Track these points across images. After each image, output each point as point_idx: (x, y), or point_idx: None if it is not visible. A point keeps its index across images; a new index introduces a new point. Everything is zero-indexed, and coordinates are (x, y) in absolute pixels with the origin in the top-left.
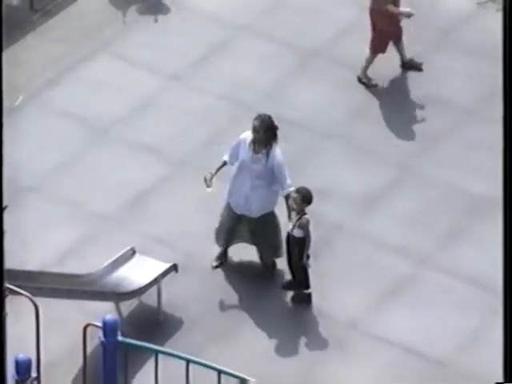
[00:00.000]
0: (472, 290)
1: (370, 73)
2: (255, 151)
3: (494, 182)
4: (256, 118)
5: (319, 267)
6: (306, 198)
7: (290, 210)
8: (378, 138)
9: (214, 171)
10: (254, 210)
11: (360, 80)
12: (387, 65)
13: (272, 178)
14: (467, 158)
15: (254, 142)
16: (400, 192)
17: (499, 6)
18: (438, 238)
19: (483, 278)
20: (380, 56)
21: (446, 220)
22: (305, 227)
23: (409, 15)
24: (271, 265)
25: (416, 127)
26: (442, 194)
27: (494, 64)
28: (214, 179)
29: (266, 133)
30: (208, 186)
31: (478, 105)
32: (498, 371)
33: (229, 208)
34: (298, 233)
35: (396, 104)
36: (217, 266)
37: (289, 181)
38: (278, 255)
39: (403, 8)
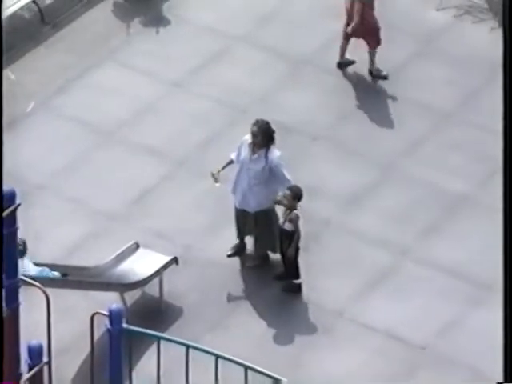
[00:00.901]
0: (449, 281)
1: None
2: (254, 153)
3: (470, 181)
4: (254, 124)
5: (308, 260)
6: (296, 195)
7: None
8: (362, 140)
9: (220, 167)
10: (252, 206)
11: (371, 73)
12: (367, 74)
13: (269, 177)
14: (445, 159)
15: (253, 144)
16: (383, 190)
17: (474, 18)
18: (417, 232)
19: (460, 269)
20: (363, 62)
21: (425, 216)
22: (294, 221)
23: None
24: (263, 257)
25: (398, 130)
26: (421, 191)
27: (471, 71)
28: (220, 175)
29: (264, 137)
30: (216, 181)
31: (456, 109)
32: (474, 355)
33: (234, 204)
34: (288, 226)
35: (380, 108)
36: (230, 255)
37: (288, 178)
38: (274, 250)
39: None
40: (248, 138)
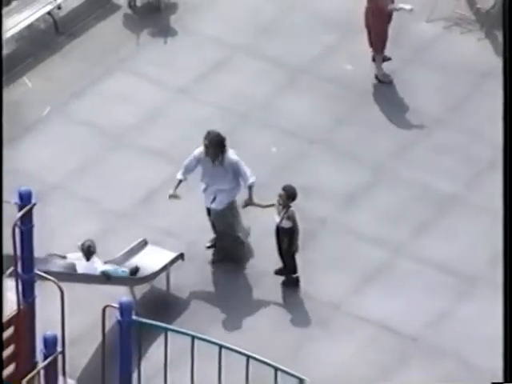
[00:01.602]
0: (439, 275)
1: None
2: (213, 162)
3: (459, 182)
4: (205, 137)
5: (306, 256)
6: (291, 195)
7: (251, 198)
8: (357, 143)
9: (172, 191)
10: (215, 204)
11: (377, 77)
12: (364, 77)
13: (231, 176)
14: (435, 161)
15: (208, 155)
16: (377, 190)
17: (462, 29)
18: (410, 229)
19: (449, 265)
20: (359, 70)
21: (416, 214)
22: (292, 218)
23: (411, 10)
24: (226, 248)
25: (391, 133)
26: (412, 192)
27: (459, 78)
28: (178, 191)
29: (215, 148)
30: (177, 198)
31: (446, 114)
32: (460, 345)
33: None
34: (286, 224)
35: (373, 113)
36: (208, 247)
37: (248, 172)
38: (236, 243)
39: (404, 4)
40: (201, 150)
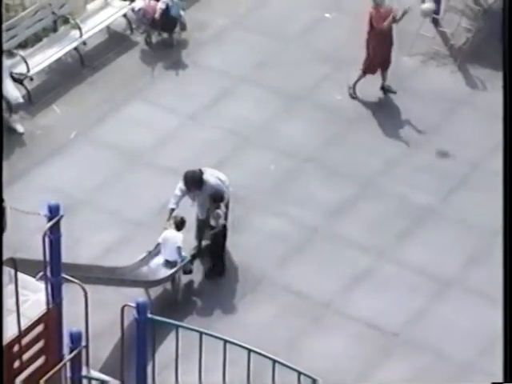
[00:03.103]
0: (418, 278)
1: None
2: (195, 191)
3: (434, 196)
4: (183, 177)
5: (300, 260)
6: (213, 198)
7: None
8: (345, 162)
9: (167, 220)
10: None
11: (383, 88)
12: (351, 106)
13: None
14: (414, 178)
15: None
16: (362, 202)
17: (438, 62)
18: (391, 237)
19: (426, 269)
20: (347, 98)
21: (397, 224)
22: (216, 217)
23: (405, 12)
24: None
25: (375, 153)
26: (394, 204)
27: (435, 106)
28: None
29: (192, 184)
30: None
31: (423, 137)
32: (437, 340)
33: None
34: (213, 222)
35: (359, 135)
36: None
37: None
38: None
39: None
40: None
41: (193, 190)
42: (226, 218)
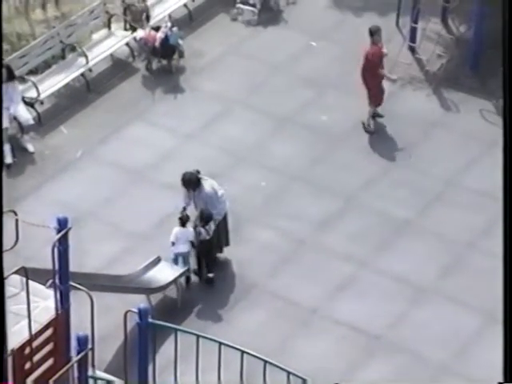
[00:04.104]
0: (397, 285)
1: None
2: (194, 192)
3: (412, 210)
4: (181, 177)
5: (289, 269)
6: (200, 216)
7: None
8: (330, 179)
9: (185, 214)
10: None
11: (363, 125)
12: (336, 126)
13: (205, 203)
14: (393, 193)
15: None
16: (346, 216)
17: (414, 86)
18: (373, 248)
19: (405, 277)
20: (331, 119)
21: (378, 236)
22: (197, 234)
23: (394, 80)
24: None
25: (357, 170)
26: (375, 218)
27: (412, 127)
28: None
29: (188, 185)
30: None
31: (400, 156)
32: (415, 343)
33: None
34: (194, 239)
35: (342, 154)
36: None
37: (217, 206)
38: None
39: (390, 75)
40: None
41: (189, 190)
42: (220, 232)
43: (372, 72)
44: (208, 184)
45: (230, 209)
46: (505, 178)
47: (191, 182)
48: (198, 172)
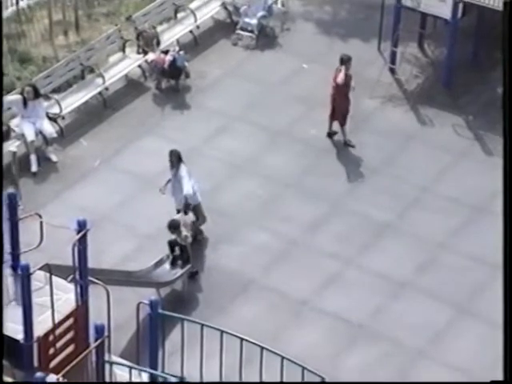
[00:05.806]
0: (378, 280)
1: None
2: (172, 169)
3: (391, 213)
4: (169, 153)
5: (282, 266)
6: (169, 226)
7: (186, 207)
8: (318, 185)
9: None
10: (176, 203)
11: (345, 142)
12: (324, 139)
13: (180, 186)
14: (375, 198)
15: (171, 164)
16: (333, 219)
17: (394, 103)
18: (357, 248)
19: (385, 273)
20: (320, 133)
21: (361, 237)
22: (184, 238)
23: (353, 88)
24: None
25: (342, 179)
26: (359, 220)
27: (391, 139)
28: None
29: (171, 157)
30: (163, 192)
31: (381, 165)
32: (394, 331)
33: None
34: (183, 242)
35: (330, 164)
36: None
37: (185, 190)
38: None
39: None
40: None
41: (172, 166)
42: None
43: (343, 95)
44: (185, 170)
45: (230, 213)
46: (505, 177)
47: (172, 155)
48: (180, 153)
